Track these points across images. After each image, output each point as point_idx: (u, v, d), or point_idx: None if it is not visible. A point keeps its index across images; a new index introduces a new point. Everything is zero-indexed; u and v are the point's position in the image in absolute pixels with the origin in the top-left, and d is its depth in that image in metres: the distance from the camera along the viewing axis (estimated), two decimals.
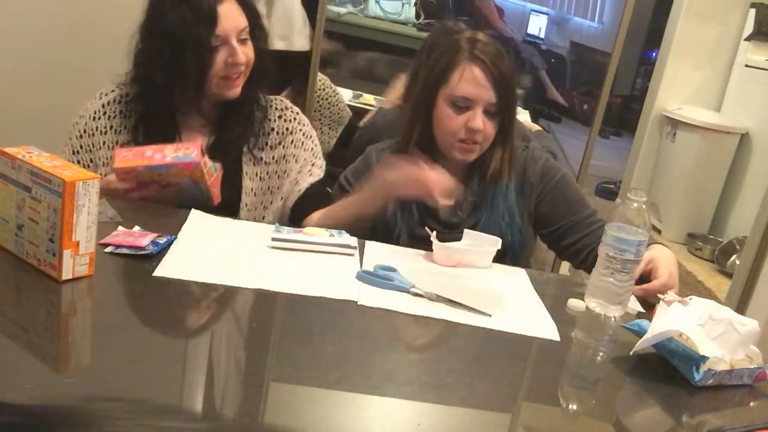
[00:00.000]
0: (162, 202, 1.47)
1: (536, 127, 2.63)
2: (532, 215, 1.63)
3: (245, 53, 1.52)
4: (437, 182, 1.39)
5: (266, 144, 1.64)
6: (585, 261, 1.58)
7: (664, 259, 1.42)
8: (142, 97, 1.55)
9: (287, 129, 1.67)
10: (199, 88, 1.51)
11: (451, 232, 1.53)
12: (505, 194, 1.59)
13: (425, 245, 1.46)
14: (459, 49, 1.53)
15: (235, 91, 1.54)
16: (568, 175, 1.67)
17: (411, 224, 1.58)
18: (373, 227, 1.59)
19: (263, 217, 1.66)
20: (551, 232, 1.63)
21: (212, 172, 1.47)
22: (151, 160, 1.41)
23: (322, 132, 2.48)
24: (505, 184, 1.59)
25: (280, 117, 1.67)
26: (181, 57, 1.45)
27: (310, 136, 1.71)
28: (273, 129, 1.66)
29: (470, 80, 1.50)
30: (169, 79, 1.49)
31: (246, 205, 1.62)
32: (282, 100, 1.71)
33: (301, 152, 1.68)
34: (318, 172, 1.70)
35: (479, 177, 1.59)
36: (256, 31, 1.58)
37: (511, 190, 1.60)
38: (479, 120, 1.50)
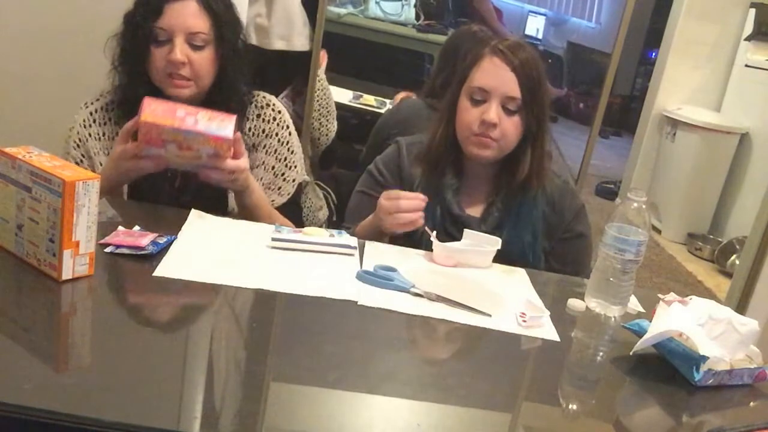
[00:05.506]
0: (161, 166, 1.40)
1: None
2: (547, 242, 1.59)
3: (189, 56, 1.46)
4: (398, 218, 1.42)
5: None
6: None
7: None
8: (121, 94, 1.55)
9: (263, 131, 1.62)
10: (149, 81, 1.51)
11: None
12: (532, 208, 1.54)
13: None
14: (485, 48, 1.51)
15: (176, 91, 1.48)
16: (589, 229, 1.63)
17: (437, 231, 1.52)
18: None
19: None
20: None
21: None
22: (183, 122, 1.34)
23: (320, 123, 2.48)
24: (533, 196, 1.54)
25: (258, 116, 1.62)
26: (125, 46, 1.50)
27: (286, 143, 1.64)
28: (250, 129, 1.61)
29: (488, 70, 1.47)
30: (128, 73, 1.52)
31: (233, 209, 1.60)
32: (265, 96, 1.65)
33: (273, 160, 1.62)
34: (288, 188, 1.63)
35: (507, 189, 1.54)
36: (225, 41, 1.51)
37: (540, 207, 1.54)
38: (493, 112, 1.45)
